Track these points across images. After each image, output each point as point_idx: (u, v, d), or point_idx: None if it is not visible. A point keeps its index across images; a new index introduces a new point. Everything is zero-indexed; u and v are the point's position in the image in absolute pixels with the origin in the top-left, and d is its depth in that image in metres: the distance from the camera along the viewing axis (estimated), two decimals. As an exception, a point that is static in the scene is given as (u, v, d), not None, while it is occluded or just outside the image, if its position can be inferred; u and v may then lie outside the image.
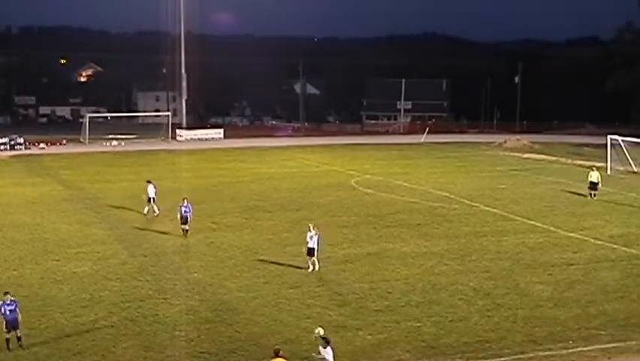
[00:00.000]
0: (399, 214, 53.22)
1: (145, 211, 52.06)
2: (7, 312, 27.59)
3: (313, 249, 37.44)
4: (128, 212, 53.07)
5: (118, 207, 54.35)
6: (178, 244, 43.55)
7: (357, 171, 75.52)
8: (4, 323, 27.57)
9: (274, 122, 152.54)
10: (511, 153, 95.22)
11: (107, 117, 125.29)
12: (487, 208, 55.24)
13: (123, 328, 29.85)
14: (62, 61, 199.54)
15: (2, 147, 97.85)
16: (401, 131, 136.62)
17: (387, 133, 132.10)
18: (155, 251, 42.27)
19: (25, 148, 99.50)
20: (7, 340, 27.55)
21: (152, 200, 52.38)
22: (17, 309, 27.80)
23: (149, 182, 53.30)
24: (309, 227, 38.07)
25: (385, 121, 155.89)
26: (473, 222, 50.51)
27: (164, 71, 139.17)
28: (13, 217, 51.94)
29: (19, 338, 27.69)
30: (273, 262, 39.17)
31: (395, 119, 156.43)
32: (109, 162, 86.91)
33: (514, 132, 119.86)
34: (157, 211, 52.09)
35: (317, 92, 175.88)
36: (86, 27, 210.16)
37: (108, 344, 28.22)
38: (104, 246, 43.60)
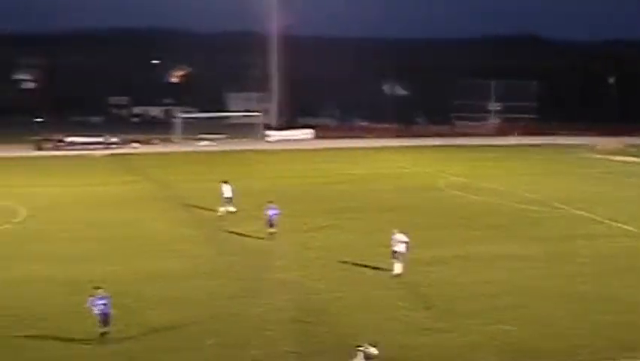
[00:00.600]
0: (487, 216, 52.79)
1: (231, 210, 52.69)
2: (100, 306, 28.26)
3: (399, 251, 37.33)
4: (217, 212, 53.56)
5: (207, 207, 54.87)
6: (266, 244, 43.86)
7: (447, 173, 75.01)
8: (97, 316, 28.27)
9: (364, 123, 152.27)
10: (604, 156, 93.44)
11: (197, 117, 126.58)
12: (577, 212, 54.36)
13: (211, 326, 30.25)
14: (155, 62, 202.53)
15: (97, 146, 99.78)
16: (491, 132, 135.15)
17: (477, 135, 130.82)
18: (243, 250, 42.73)
19: (119, 147, 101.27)
20: (102, 334, 28.28)
21: (228, 200, 53.04)
22: (109, 305, 28.39)
23: (225, 182, 53.81)
24: (396, 229, 37.98)
25: (475, 122, 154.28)
26: (563, 225, 49.83)
27: (255, 71, 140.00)
28: (106, 215, 53.04)
29: (105, 333, 28.36)
30: (360, 264, 39.19)
31: (485, 120, 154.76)
32: (199, 161, 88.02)
33: (608, 134, 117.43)
34: (221, 211, 52.68)
35: (407, 93, 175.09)
36: (178, 28, 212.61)
37: (197, 341, 28.63)
38: (193, 244, 44.24)
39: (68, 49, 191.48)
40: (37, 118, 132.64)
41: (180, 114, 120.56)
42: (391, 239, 37.49)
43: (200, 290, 34.95)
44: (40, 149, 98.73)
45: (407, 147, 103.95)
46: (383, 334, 29.10)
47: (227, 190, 53.14)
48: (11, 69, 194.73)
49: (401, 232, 37.58)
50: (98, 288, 28.74)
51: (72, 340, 28.55)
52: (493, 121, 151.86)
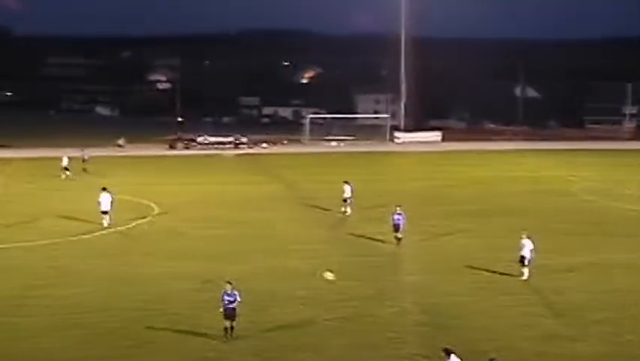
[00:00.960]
0: (621, 223, 51.36)
1: (345, 211, 53.02)
2: (226, 302, 28.73)
3: (526, 257, 36.72)
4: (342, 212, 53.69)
5: (335, 208, 54.95)
6: (392, 248, 43.66)
7: (578, 178, 73.26)
8: (224, 311, 28.74)
9: (492, 126, 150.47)
10: None
11: (326, 118, 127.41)
12: None
13: (339, 326, 30.38)
14: (285, 63, 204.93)
15: (227, 146, 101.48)
16: (626, 137, 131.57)
17: (611, 139, 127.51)
18: (370, 253, 42.73)
19: (249, 147, 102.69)
20: (226, 328, 28.74)
21: (347, 200, 53.21)
22: (237, 301, 28.82)
23: (346, 182, 53.94)
24: (523, 234, 37.40)
25: (609, 126, 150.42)
26: (702, 234, 48.03)
27: (384, 73, 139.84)
28: (235, 214, 53.89)
29: (231, 328, 28.79)
30: (486, 269, 38.66)
31: (620, 124, 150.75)
32: (327, 162, 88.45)
33: None
34: (349, 212, 52.96)
35: (537, 95, 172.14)
36: (309, 30, 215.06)
37: (324, 341, 28.79)
38: (321, 245, 44.47)
39: (201, 50, 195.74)
40: (179, 118, 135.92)
41: (309, 115, 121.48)
42: (520, 244, 36.96)
43: (328, 290, 35.04)
44: (173, 148, 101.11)
45: (538, 150, 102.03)
46: (512, 340, 28.69)
47: (347, 190, 53.35)
48: (147, 70, 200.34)
49: (527, 237, 37.00)
50: (229, 283, 29.26)
51: (201, 334, 29.15)
52: (629, 125, 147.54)
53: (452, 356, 23.55)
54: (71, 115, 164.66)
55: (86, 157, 75.69)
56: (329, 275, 31.68)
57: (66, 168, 71.17)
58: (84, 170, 72.94)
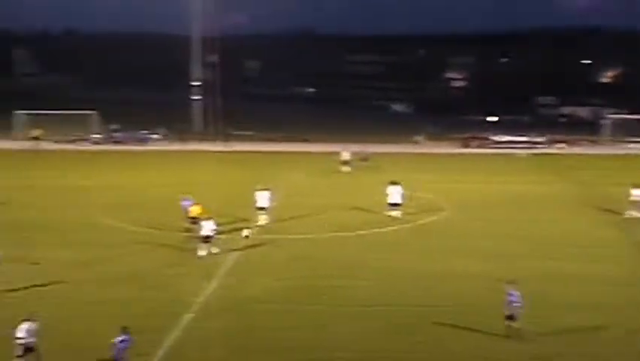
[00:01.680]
0: None
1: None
2: (508, 302, 28.78)
3: None
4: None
5: (626, 212, 52.46)
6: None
7: None
8: (506, 311, 28.78)
9: None
10: None
11: (628, 119, 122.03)
12: None
13: (625, 336, 29.37)
14: (585, 62, 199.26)
15: (522, 145, 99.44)
16: None
17: None
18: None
19: (544, 147, 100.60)
20: (508, 327, 28.73)
21: (635, 203, 51.57)
22: (518, 302, 28.66)
23: (635, 185, 52.16)
24: None
25: None
26: None
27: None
28: (524, 214, 53.40)
29: (517, 329, 28.67)
30: None
31: None
32: (627, 165, 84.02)
33: None
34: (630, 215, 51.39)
35: None
36: (610, 27, 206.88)
37: (608, 350, 28.03)
38: (605, 249, 43.10)
39: (496, 49, 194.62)
40: (491, 117, 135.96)
41: (610, 115, 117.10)
42: None
43: (619, 297, 33.89)
44: (466, 146, 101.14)
45: None
46: None
47: (635, 194, 51.71)
48: (442, 68, 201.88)
49: None
50: (510, 283, 29.18)
51: (486, 334, 29.23)
52: None
53: None
54: (368, 111, 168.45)
55: (364, 154, 77.28)
56: (245, 232, 32.50)
57: (347, 163, 73.60)
58: (362, 165, 74.63)
